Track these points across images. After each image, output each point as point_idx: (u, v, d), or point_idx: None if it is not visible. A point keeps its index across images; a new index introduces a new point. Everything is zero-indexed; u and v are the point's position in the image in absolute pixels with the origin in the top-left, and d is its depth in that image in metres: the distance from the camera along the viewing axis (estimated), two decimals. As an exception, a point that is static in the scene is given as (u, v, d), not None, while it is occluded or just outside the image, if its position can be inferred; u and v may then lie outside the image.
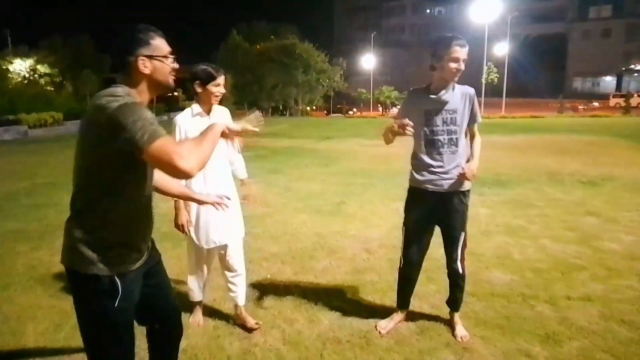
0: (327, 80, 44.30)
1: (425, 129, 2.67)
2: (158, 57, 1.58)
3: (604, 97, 48.14)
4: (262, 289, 3.49)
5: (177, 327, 1.98)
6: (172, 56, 1.63)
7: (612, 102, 42.68)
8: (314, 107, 46.85)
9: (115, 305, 1.54)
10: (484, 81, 38.15)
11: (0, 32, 32.33)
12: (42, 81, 31.99)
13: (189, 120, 2.71)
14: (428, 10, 75.89)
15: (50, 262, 4.25)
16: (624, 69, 56.18)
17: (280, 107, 45.45)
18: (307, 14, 78.00)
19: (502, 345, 2.70)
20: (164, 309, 1.90)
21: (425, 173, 2.72)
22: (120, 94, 1.47)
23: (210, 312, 3.13)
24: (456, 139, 2.66)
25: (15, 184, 8.41)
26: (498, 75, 38.64)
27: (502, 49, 41.74)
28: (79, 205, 1.57)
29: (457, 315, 2.91)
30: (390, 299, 3.30)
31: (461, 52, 2.52)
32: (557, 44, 61.75)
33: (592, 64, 58.52)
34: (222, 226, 2.79)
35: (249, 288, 3.41)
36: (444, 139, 2.66)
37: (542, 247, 4.34)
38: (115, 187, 1.53)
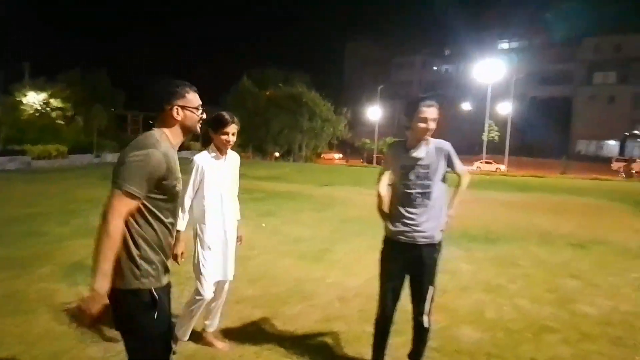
0: (332, 129, 45.18)
1: (401, 183, 2.77)
2: (189, 108, 1.95)
3: (607, 160, 48.47)
4: (228, 333, 3.47)
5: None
6: (200, 109, 1.99)
7: (615, 166, 42.90)
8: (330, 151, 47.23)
9: (155, 317, 1.76)
10: (485, 139, 38.70)
11: (20, 64, 33.53)
12: (53, 114, 32.78)
13: (206, 160, 3.06)
14: (435, 68, 78.18)
15: (25, 292, 4.27)
16: (627, 134, 56.85)
17: (283, 152, 46.08)
18: (318, 63, 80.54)
19: (460, 406, 2.65)
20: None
21: (399, 224, 2.79)
22: (148, 144, 1.80)
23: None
24: (429, 193, 2.75)
25: (10, 211, 8.50)
26: (499, 134, 39.23)
27: (505, 109, 42.60)
28: None
29: None
30: (354, 350, 3.28)
31: (428, 112, 2.68)
32: (563, 106, 62.92)
33: (597, 127, 59.33)
34: (229, 262, 3.22)
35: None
36: (417, 193, 2.76)
37: (518, 307, 4.30)
38: (148, 212, 1.81)
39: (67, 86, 35.22)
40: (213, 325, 3.25)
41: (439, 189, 2.78)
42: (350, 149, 53.16)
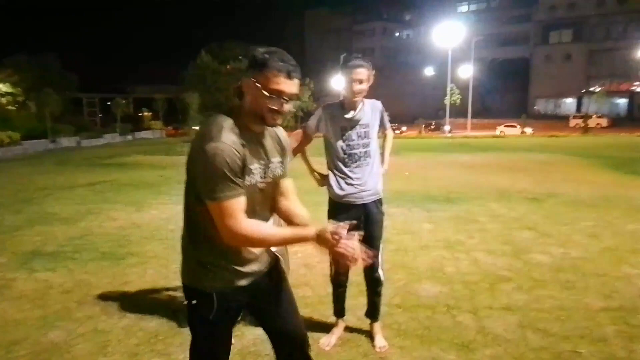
0: (297, 101, 44.84)
1: (343, 143, 2.79)
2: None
3: (565, 118, 50.08)
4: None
5: (296, 354, 1.89)
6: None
7: (572, 122, 44.43)
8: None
9: (211, 317, 1.65)
10: (447, 102, 39.21)
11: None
12: (3, 100, 31.13)
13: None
14: (397, 34, 77.94)
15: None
16: (583, 91, 58.71)
17: None
18: (279, 36, 78.89)
19: (418, 355, 2.76)
20: (281, 331, 1.86)
21: (345, 187, 2.82)
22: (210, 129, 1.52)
23: (133, 328, 3.09)
24: (369, 150, 2.83)
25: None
26: (461, 97, 39.82)
27: (466, 72, 43.15)
28: (186, 225, 1.69)
29: (377, 325, 2.97)
30: (319, 313, 3.35)
31: (357, 72, 2.68)
32: (521, 67, 64.19)
33: (554, 86, 60.98)
34: None
35: (179, 306, 3.41)
36: (361, 152, 2.81)
37: (476, 260, 4.48)
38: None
39: (14, 71, 33.41)
40: None
41: (375, 146, 2.87)
42: None
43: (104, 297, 3.70)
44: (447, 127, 39.12)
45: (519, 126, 36.70)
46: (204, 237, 1.61)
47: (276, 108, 1.53)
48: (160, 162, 15.73)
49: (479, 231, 5.53)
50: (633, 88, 56.48)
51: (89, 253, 4.91)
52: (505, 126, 37.13)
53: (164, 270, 4.31)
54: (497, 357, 2.72)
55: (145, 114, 55.64)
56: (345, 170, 2.83)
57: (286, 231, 1.67)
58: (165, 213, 6.89)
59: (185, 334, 2.99)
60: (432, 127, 43.11)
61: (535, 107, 62.95)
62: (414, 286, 3.82)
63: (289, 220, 1.77)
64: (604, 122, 45.23)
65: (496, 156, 16.09)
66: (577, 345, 2.84)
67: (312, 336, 2.95)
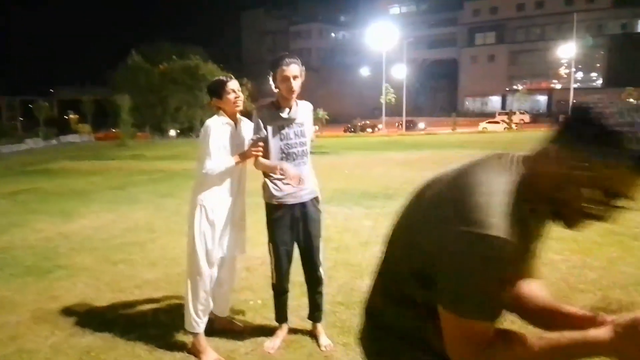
0: (234, 102, 44.01)
1: (281, 143, 2.77)
2: None
3: (491, 115, 53.09)
4: (129, 318, 3.32)
5: None
6: None
7: (498, 119, 47.20)
8: None
9: None
10: (383, 101, 40.29)
11: None
12: None
13: (220, 127, 2.72)
14: (333, 35, 78.97)
15: None
16: (507, 89, 62.54)
17: (179, 130, 44.04)
18: (214, 37, 77.31)
19: (362, 351, 2.80)
20: None
21: (283, 187, 2.80)
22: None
23: (63, 346, 2.89)
24: (306, 149, 2.84)
25: None
26: (395, 96, 41.08)
27: (400, 72, 44.57)
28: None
29: (320, 326, 2.98)
30: (262, 316, 3.31)
31: (289, 70, 2.67)
32: (450, 67, 67.31)
33: (481, 85, 64.50)
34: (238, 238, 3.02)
35: (112, 320, 3.25)
36: (298, 150, 2.81)
37: (414, 254, 4.62)
38: None
39: None
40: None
41: (309, 144, 2.89)
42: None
43: (30, 314, 3.44)
44: (421, 125, 41.80)
45: (501, 121, 39.74)
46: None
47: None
48: (89, 168, 14.88)
49: (416, 226, 5.72)
50: (552, 86, 60.98)
51: (11, 268, 4.54)
52: (487, 122, 40.61)
53: (96, 282, 4.07)
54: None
55: (72, 116, 52.55)
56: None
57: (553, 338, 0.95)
58: (95, 222, 6.52)
59: (121, 349, 2.86)
60: (399, 125, 44.36)
61: (464, 105, 66.17)
62: (356, 283, 3.88)
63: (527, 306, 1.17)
64: (526, 118, 48.48)
65: (429, 153, 16.74)
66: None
67: (255, 340, 2.92)
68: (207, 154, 2.65)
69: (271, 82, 2.76)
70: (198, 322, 2.74)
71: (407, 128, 42.65)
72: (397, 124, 44.01)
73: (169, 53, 45.76)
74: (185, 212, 7.21)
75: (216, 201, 2.77)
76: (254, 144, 2.72)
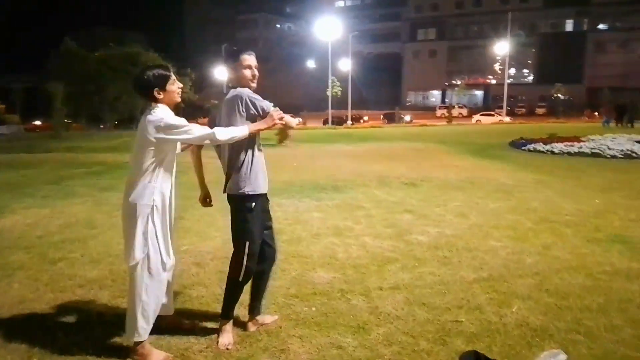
0: (178, 92, 42.51)
1: (255, 135, 2.75)
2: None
3: (432, 109, 54.94)
4: (72, 319, 3.14)
5: None
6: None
7: (439, 112, 48.94)
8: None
9: None
10: (329, 94, 40.54)
11: None
12: None
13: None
14: (278, 26, 78.30)
15: None
16: (447, 84, 64.84)
17: (115, 121, 42.06)
18: (154, 23, 74.03)
19: (317, 342, 2.83)
20: None
21: (263, 175, 2.82)
22: None
23: (1, 352, 2.71)
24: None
25: None
26: (341, 89, 41.48)
27: (345, 65, 44.96)
28: None
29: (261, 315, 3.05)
30: (214, 312, 3.23)
31: (250, 59, 2.72)
32: (394, 61, 68.82)
33: (422, 80, 66.51)
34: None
35: (54, 322, 3.08)
36: (260, 140, 2.89)
37: (364, 244, 4.72)
38: None
39: None
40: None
41: None
42: (200, 112, 51.04)
43: (-42, 320, 3.17)
44: (407, 118, 43.85)
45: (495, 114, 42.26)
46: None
47: None
48: (20, 160, 13.86)
49: (365, 217, 5.83)
50: (488, 81, 63.91)
51: None
52: (481, 115, 42.52)
53: (34, 282, 3.82)
54: (390, 335, 2.90)
55: (-1, 106, 48.76)
56: (261, 159, 2.81)
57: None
58: (30, 218, 6.11)
59: (66, 351, 2.71)
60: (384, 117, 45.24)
61: (407, 99, 67.99)
62: (309, 274, 3.90)
63: None
64: (464, 111, 50.63)
65: (376, 145, 17.07)
66: (457, 315, 3.15)
67: (210, 337, 2.87)
68: (184, 127, 2.52)
69: (230, 70, 2.75)
70: (146, 329, 2.60)
71: (390, 121, 43.72)
72: (381, 117, 45.02)
73: (106, 40, 43.42)
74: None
75: (165, 199, 2.68)
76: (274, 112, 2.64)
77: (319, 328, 2.99)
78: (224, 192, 2.81)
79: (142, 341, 2.61)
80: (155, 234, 2.61)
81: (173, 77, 2.64)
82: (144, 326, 2.58)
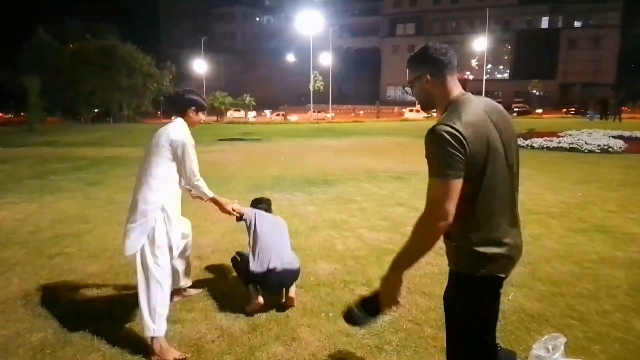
0: (155, 85, 41.79)
1: None
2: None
3: (412, 104, 55.45)
4: (79, 312, 3.15)
5: None
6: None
7: (417, 108, 49.49)
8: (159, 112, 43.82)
9: None
10: (311, 88, 40.53)
11: None
12: None
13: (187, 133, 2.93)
14: (257, 19, 77.61)
15: None
16: (425, 79, 65.46)
17: (93, 115, 41.17)
18: (128, 16, 72.38)
19: (326, 330, 2.91)
20: None
21: None
22: None
23: (11, 345, 2.70)
24: None
25: None
26: (324, 84, 41.49)
27: (326, 59, 44.97)
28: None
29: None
30: (221, 304, 3.29)
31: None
32: (373, 56, 69.10)
33: (402, 75, 66.93)
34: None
35: (62, 316, 3.08)
36: None
37: (361, 236, 4.82)
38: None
39: None
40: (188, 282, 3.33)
41: None
42: None
43: (-39, 316, 3.14)
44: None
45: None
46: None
47: None
48: (-3, 156, 13.52)
49: (358, 210, 5.93)
50: (465, 77, 64.79)
51: None
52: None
53: (34, 277, 3.80)
54: (395, 322, 3.01)
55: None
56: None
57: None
58: (18, 213, 6.01)
59: (78, 344, 2.73)
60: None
61: (387, 94, 68.42)
62: (311, 266, 3.98)
63: None
64: (442, 107, 51.25)
65: (360, 140, 17.23)
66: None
67: (220, 327, 2.91)
68: (195, 169, 2.89)
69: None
70: (159, 326, 2.63)
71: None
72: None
73: (80, 31, 42.37)
74: (121, 201, 6.86)
75: (174, 201, 2.89)
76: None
77: (327, 317, 3.08)
78: None
79: (157, 337, 2.63)
80: (168, 238, 2.78)
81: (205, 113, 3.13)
82: (151, 324, 2.61)
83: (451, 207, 1.59)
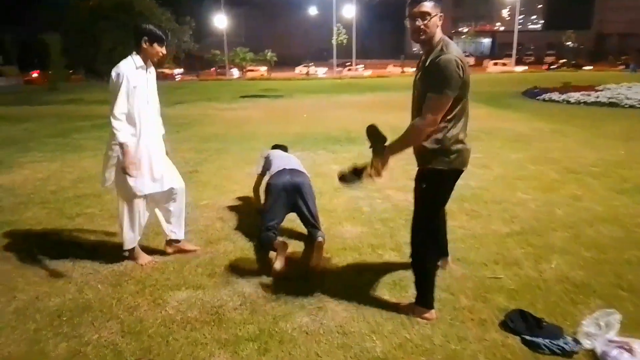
0: (176, 41, 41.10)
1: None
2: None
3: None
4: (101, 276, 3.06)
5: None
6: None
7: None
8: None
9: None
10: (334, 42, 39.35)
11: None
12: None
13: (133, 71, 2.91)
14: (277, -31, 74.83)
15: None
16: (452, 31, 62.80)
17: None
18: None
19: (355, 298, 2.74)
20: None
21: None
22: None
23: (29, 310, 2.63)
24: None
25: None
26: (347, 37, 40.19)
27: (349, 12, 43.33)
28: None
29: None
30: (243, 268, 3.16)
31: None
32: (398, 9, 66.29)
33: (427, 28, 64.32)
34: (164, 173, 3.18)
35: (81, 280, 3.00)
36: None
37: (388, 197, 4.59)
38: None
39: None
40: (180, 234, 3.38)
41: None
42: (199, 62, 49.70)
43: (-19, 278, 3.09)
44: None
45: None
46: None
47: None
48: (21, 114, 13.58)
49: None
50: (495, 28, 61.82)
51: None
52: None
53: (56, 237, 3.73)
54: (428, 291, 2.81)
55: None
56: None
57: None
58: (40, 173, 5.97)
59: (96, 310, 2.64)
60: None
61: (413, 48, 66.04)
62: (337, 229, 3.80)
63: None
64: (471, 60, 49.16)
65: (383, 95, 16.68)
66: (495, 270, 3.05)
67: (242, 293, 2.78)
68: (115, 105, 2.90)
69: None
70: (133, 239, 3.16)
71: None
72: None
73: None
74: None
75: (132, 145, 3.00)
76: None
77: (354, 285, 2.91)
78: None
79: (133, 248, 3.19)
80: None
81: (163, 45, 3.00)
82: (128, 236, 3.14)
83: (440, 117, 2.25)
